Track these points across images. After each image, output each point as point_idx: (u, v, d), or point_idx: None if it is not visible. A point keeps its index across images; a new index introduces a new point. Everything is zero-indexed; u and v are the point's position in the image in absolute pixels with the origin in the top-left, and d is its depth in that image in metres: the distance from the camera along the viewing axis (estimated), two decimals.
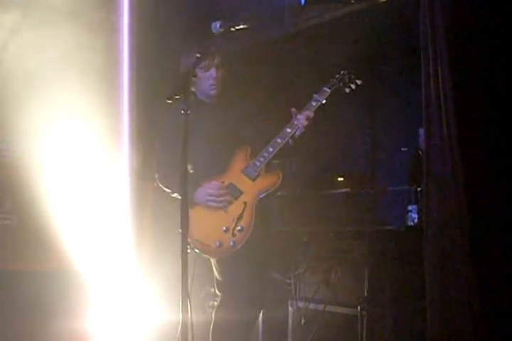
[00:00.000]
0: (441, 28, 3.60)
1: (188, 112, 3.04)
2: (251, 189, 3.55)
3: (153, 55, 5.20)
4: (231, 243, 3.46)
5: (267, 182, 3.57)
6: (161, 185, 3.73)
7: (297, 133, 3.59)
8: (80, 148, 4.75)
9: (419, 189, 3.96)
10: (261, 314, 4.16)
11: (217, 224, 3.51)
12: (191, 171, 3.60)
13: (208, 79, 3.64)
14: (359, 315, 3.94)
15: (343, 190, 4.47)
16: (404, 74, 4.90)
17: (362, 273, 4.02)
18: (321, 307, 4.18)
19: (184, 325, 2.91)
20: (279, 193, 4.40)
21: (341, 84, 3.73)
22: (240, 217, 3.49)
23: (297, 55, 5.12)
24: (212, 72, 3.63)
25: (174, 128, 3.41)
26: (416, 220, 3.98)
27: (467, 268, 3.48)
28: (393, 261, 3.97)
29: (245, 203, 3.52)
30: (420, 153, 4.25)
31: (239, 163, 3.61)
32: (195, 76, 3.54)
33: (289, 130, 3.58)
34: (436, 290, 3.54)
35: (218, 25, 3.39)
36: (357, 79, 3.76)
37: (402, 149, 4.65)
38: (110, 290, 4.65)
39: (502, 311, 3.47)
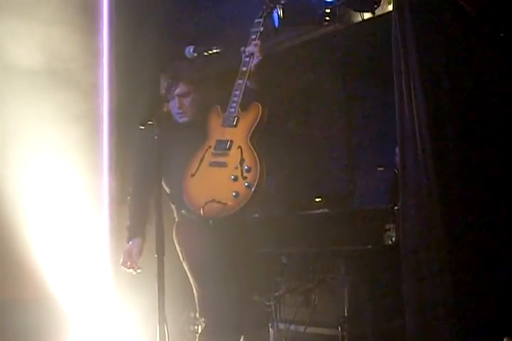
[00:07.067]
0: (413, 47, 3.65)
1: (160, 137, 3.01)
2: (238, 133, 3.43)
3: (132, 79, 5.22)
4: (245, 184, 3.29)
5: (249, 117, 3.45)
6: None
7: (255, 62, 3.46)
8: (58, 174, 4.74)
9: (396, 208, 3.96)
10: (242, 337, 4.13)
11: (222, 178, 3.36)
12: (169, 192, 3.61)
13: (173, 108, 3.63)
14: (340, 335, 3.93)
15: (321, 211, 4.47)
16: (380, 94, 4.94)
17: (341, 293, 4.01)
18: (301, 328, 4.16)
19: None
20: (256, 215, 4.42)
21: (269, 10, 3.66)
22: (241, 161, 3.36)
23: (272, 77, 5.13)
24: (175, 101, 3.61)
25: (148, 151, 3.40)
26: (394, 239, 3.99)
27: (445, 286, 3.48)
28: (372, 281, 3.97)
29: (240, 147, 3.39)
30: (397, 171, 4.27)
31: (215, 121, 3.52)
32: (168, 101, 3.52)
33: (244, 68, 3.47)
34: (415, 308, 3.54)
35: (192, 50, 3.40)
36: None
37: (379, 168, 4.67)
38: (88, 318, 4.61)
39: (481, 328, 3.47)
